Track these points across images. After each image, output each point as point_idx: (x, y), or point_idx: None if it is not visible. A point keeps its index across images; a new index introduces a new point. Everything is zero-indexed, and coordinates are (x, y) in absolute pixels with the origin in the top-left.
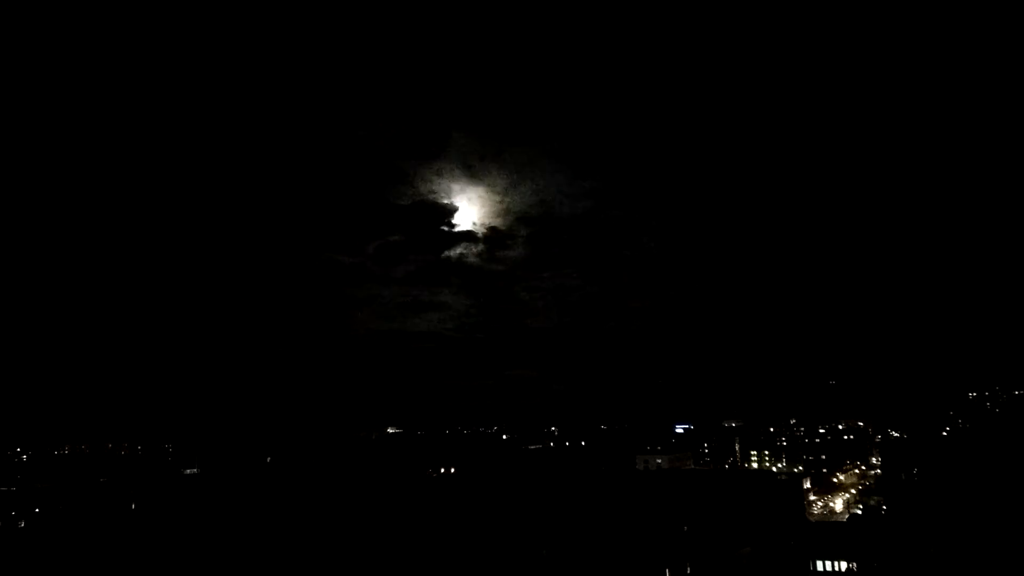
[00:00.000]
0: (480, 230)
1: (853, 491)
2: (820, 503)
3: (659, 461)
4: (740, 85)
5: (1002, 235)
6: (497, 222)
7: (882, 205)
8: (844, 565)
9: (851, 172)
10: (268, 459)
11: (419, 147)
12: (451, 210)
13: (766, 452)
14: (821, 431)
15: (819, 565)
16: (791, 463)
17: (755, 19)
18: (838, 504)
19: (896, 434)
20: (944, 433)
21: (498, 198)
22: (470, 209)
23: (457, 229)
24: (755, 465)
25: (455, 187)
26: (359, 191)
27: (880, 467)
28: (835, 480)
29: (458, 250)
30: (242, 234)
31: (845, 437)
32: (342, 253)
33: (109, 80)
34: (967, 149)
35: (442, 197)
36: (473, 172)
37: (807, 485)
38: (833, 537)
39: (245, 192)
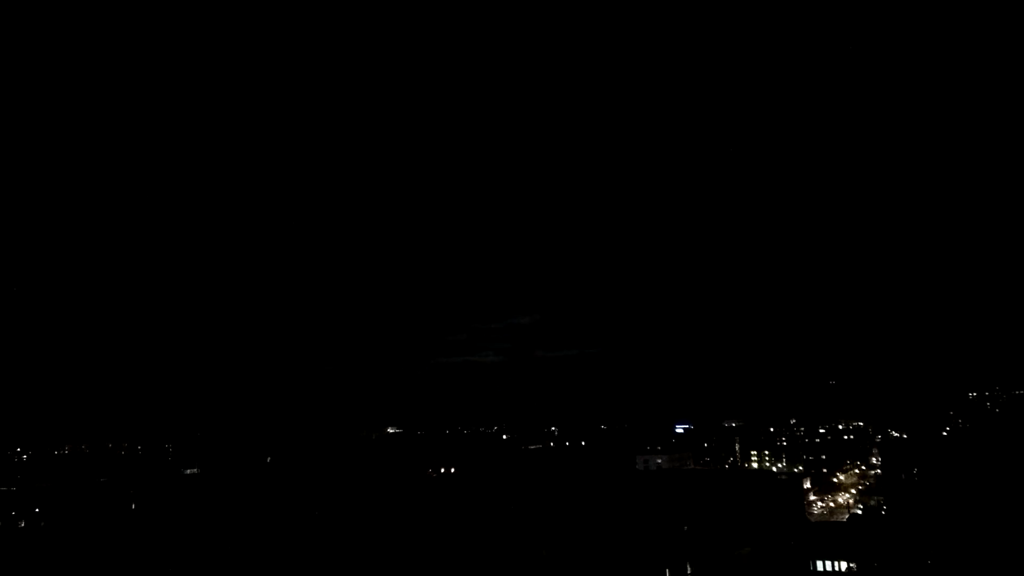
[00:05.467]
0: None
1: (853, 491)
2: (820, 503)
3: (659, 461)
4: (741, 87)
5: (1002, 235)
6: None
7: (882, 205)
8: (844, 565)
9: (852, 173)
10: (268, 459)
11: None
12: None
13: (766, 452)
14: (821, 431)
15: (819, 565)
16: (791, 463)
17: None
18: (838, 504)
19: (896, 434)
20: (944, 433)
21: None
22: None
23: None
24: (755, 465)
25: None
26: None
27: (880, 467)
28: (835, 480)
29: None
30: (244, 236)
31: (845, 437)
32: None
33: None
34: (967, 149)
35: None
36: None
37: (807, 485)
38: (833, 537)
39: (243, 192)
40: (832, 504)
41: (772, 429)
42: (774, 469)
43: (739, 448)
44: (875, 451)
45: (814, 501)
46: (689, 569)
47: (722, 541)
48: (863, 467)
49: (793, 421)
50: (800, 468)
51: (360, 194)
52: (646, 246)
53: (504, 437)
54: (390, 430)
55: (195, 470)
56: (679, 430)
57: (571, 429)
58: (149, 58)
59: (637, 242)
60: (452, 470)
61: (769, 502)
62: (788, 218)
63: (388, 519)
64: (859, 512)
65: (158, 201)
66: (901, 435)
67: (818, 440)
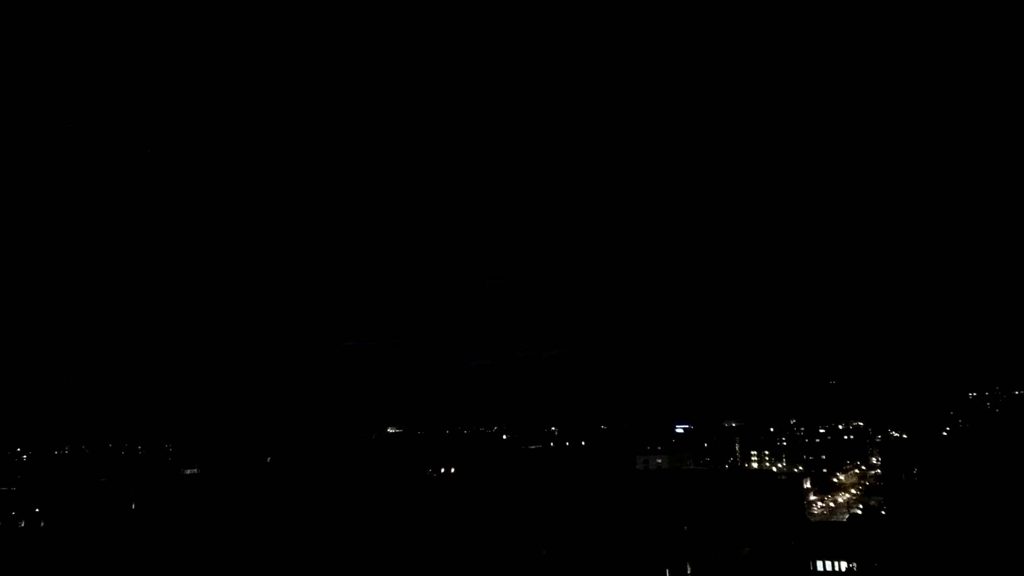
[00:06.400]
0: None
1: (853, 491)
2: (820, 503)
3: (659, 461)
4: (741, 89)
5: (1002, 236)
6: None
7: (882, 206)
8: (844, 565)
9: (852, 173)
10: (268, 459)
11: None
12: None
13: (766, 452)
14: (821, 431)
15: (819, 565)
16: (791, 463)
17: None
18: (838, 504)
19: (896, 434)
20: (944, 433)
21: None
22: None
23: None
24: (755, 465)
25: None
26: None
27: (880, 467)
28: (835, 480)
29: None
30: (244, 237)
31: (845, 437)
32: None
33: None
34: (967, 150)
35: None
36: None
37: (807, 485)
38: (833, 537)
39: (248, 193)
40: (832, 504)
41: (772, 429)
42: (774, 469)
43: (739, 448)
44: (875, 451)
45: (814, 501)
46: (689, 569)
47: (722, 541)
48: (863, 467)
49: (793, 421)
50: (800, 468)
51: (357, 195)
52: (646, 247)
53: (504, 437)
54: (390, 430)
55: (195, 470)
56: (679, 430)
57: (571, 429)
58: (149, 58)
59: (637, 243)
60: (452, 470)
61: (769, 502)
62: (788, 219)
63: (388, 519)
64: (859, 512)
65: (159, 202)
66: (901, 435)
67: (818, 440)
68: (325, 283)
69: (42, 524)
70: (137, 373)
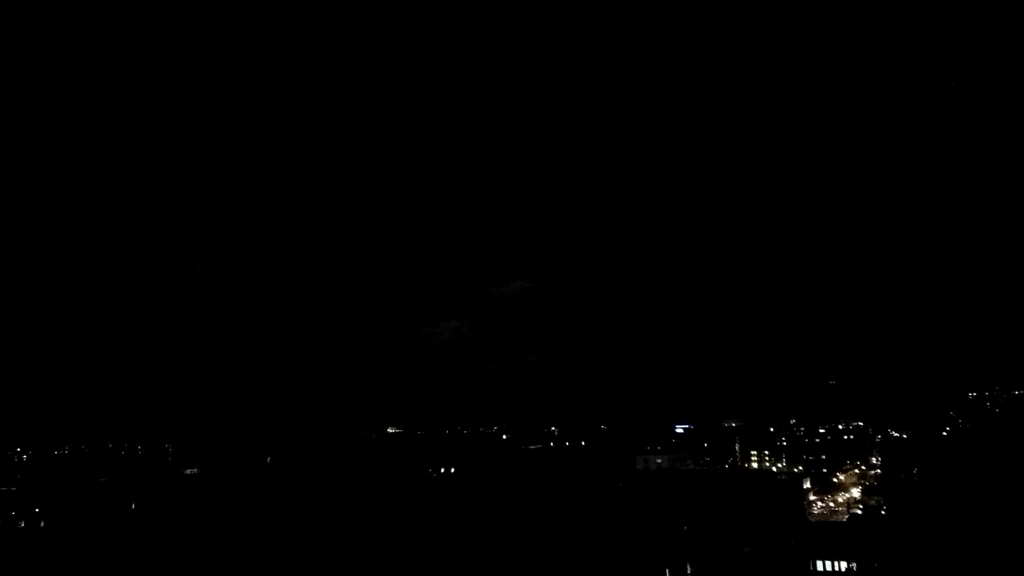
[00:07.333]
0: None
1: (853, 491)
2: (820, 503)
3: (659, 461)
4: (742, 87)
5: (1002, 235)
6: None
7: (882, 205)
8: (844, 565)
9: (852, 172)
10: (268, 459)
11: None
12: None
13: (766, 452)
14: (821, 431)
15: (819, 565)
16: (791, 463)
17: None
18: (838, 504)
19: (896, 434)
20: (944, 433)
21: None
22: None
23: None
24: (755, 465)
25: None
26: None
27: (880, 467)
28: (835, 480)
29: None
30: (243, 236)
31: (845, 437)
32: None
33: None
34: (967, 149)
35: None
36: None
37: (807, 485)
38: (833, 537)
39: (245, 192)
40: (832, 504)
41: (772, 429)
42: (774, 469)
43: (739, 448)
44: (875, 451)
45: (814, 501)
46: (689, 569)
47: (722, 541)
48: (863, 467)
49: (793, 421)
50: (800, 468)
51: (362, 195)
52: (646, 246)
53: (504, 437)
54: (390, 430)
55: (195, 470)
56: (679, 430)
57: (571, 429)
58: (149, 58)
59: (637, 242)
60: (452, 470)
61: (769, 502)
62: (788, 218)
63: (388, 519)
64: (859, 512)
65: (157, 201)
66: (901, 435)
67: (818, 440)
68: (327, 284)
69: (42, 524)
70: (137, 373)
